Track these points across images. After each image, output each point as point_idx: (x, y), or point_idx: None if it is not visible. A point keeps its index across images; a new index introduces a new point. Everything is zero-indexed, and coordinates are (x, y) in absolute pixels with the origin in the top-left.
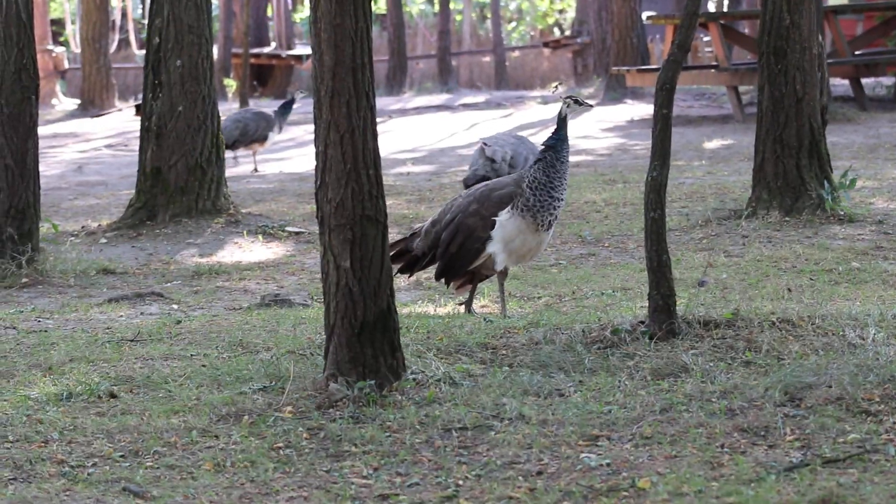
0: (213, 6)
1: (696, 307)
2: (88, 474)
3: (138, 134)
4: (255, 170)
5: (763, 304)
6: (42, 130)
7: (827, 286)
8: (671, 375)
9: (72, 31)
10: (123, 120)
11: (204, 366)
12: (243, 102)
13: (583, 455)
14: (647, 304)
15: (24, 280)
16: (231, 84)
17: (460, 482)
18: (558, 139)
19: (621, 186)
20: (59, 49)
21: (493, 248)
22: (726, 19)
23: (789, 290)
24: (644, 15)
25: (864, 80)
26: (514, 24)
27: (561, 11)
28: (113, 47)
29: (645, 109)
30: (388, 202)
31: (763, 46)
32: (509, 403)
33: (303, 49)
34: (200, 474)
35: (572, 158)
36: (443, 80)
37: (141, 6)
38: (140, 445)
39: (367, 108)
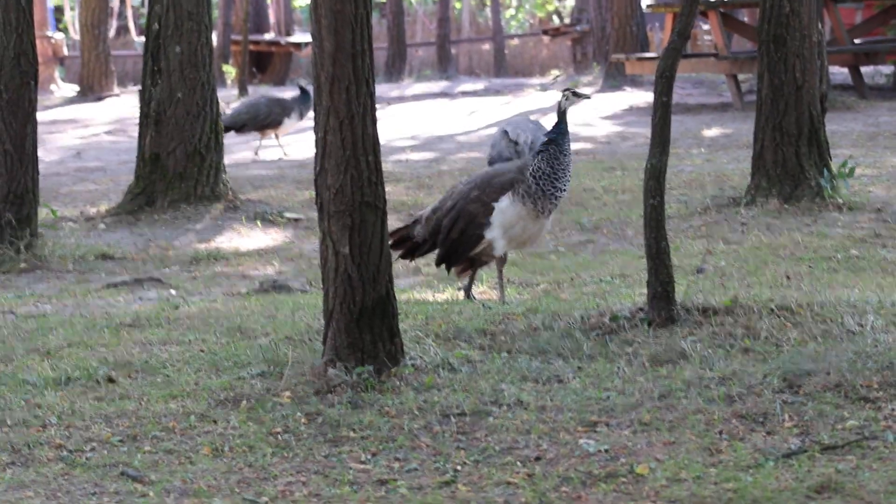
0: None
1: (695, 294)
2: (87, 459)
3: (137, 120)
4: (256, 154)
5: (762, 291)
6: (41, 116)
7: (826, 273)
8: (670, 362)
9: (71, 18)
10: (123, 106)
11: (202, 351)
12: (242, 89)
13: (581, 441)
14: (646, 291)
15: (23, 265)
16: (230, 71)
17: (458, 467)
18: (559, 132)
19: (620, 174)
20: (59, 35)
21: (493, 233)
22: (726, 7)
23: (788, 277)
24: (643, 3)
25: (863, 69)
26: (513, 11)
27: None
28: (112, 34)
29: (644, 97)
30: (387, 189)
31: (763, 34)
32: (508, 389)
33: (302, 36)
34: (199, 459)
35: (571, 146)
36: (442, 67)
37: None
38: (138, 430)
39: (367, 94)
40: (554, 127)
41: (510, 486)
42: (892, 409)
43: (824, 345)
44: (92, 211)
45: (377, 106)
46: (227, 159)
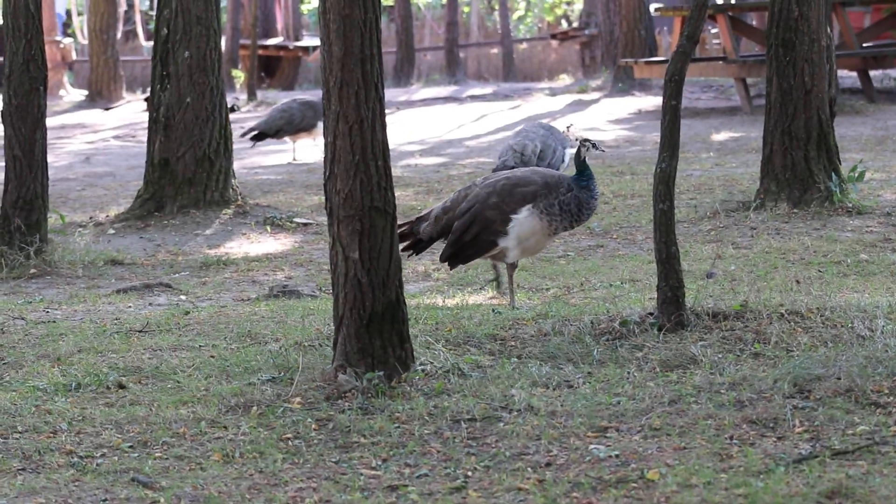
0: None
1: (705, 299)
2: (97, 465)
3: (146, 125)
4: (294, 159)
5: (772, 295)
6: (50, 121)
7: (835, 278)
8: (680, 367)
9: (79, 23)
10: (131, 111)
11: (212, 357)
12: (251, 94)
13: (591, 446)
14: (656, 296)
15: (33, 271)
16: (239, 75)
17: (469, 473)
18: (589, 179)
19: (629, 178)
20: (67, 40)
21: (508, 242)
22: (734, 11)
23: (798, 281)
24: (652, 7)
25: (872, 73)
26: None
27: (569, 3)
28: (120, 38)
29: (653, 101)
30: (396, 193)
31: (771, 38)
32: (518, 395)
33: (310, 40)
34: (209, 465)
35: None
36: (450, 71)
37: None
38: (149, 436)
39: (376, 99)
40: (581, 176)
41: (521, 492)
42: None
43: (834, 349)
44: (101, 216)
45: (386, 110)
46: (235, 164)
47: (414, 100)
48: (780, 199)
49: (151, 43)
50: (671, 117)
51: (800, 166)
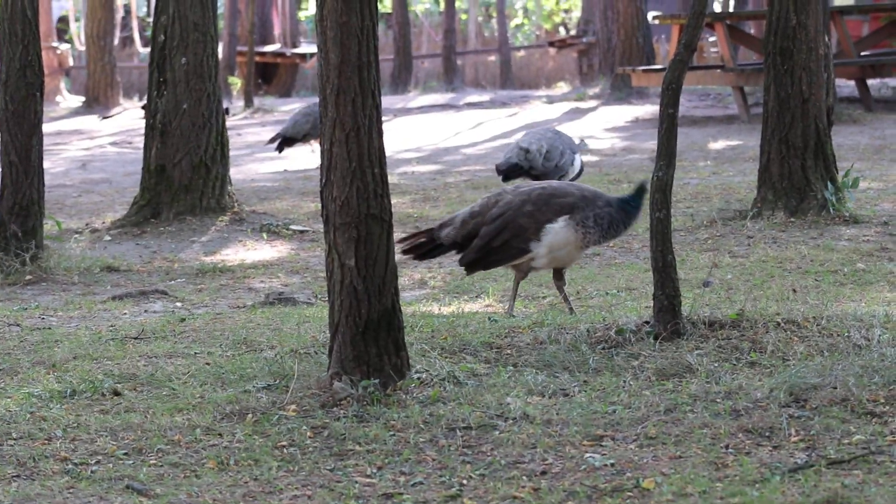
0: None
1: (701, 307)
2: (92, 472)
3: (143, 131)
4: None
5: (768, 304)
6: (46, 127)
7: (832, 287)
8: (676, 376)
9: (76, 29)
10: (128, 118)
11: (208, 364)
12: (248, 101)
13: (587, 455)
14: (652, 305)
15: (28, 277)
16: (236, 82)
17: (464, 481)
18: (636, 207)
19: (626, 186)
20: (64, 46)
21: (539, 250)
22: (732, 19)
23: (794, 290)
24: (650, 15)
25: (869, 81)
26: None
27: (567, 11)
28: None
29: (650, 109)
30: (393, 201)
31: (769, 47)
32: (513, 403)
33: (307, 47)
34: (204, 472)
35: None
36: (448, 79)
37: (146, 4)
38: (144, 443)
39: (373, 106)
40: (630, 202)
41: (516, 501)
42: None
43: (831, 359)
44: (97, 223)
45: (383, 118)
46: (231, 171)
47: (411, 107)
48: (776, 208)
49: (148, 49)
50: (668, 125)
51: (797, 175)
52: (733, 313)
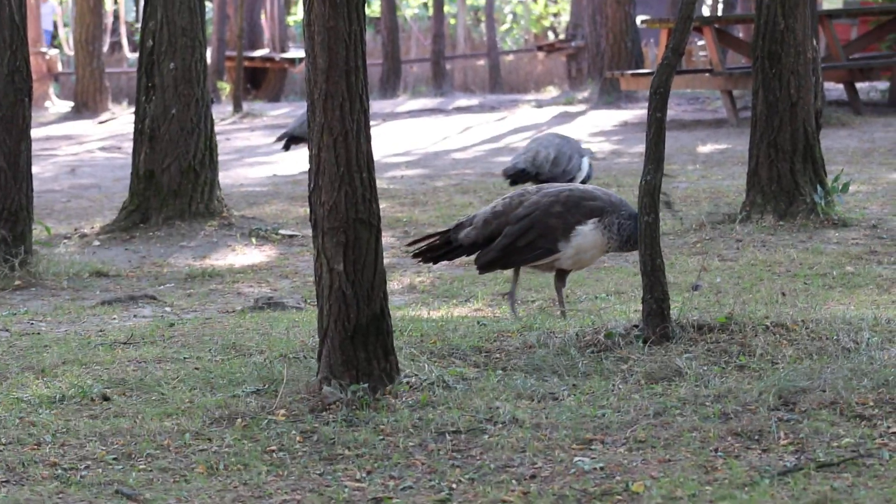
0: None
1: (690, 311)
2: (81, 477)
3: (132, 137)
4: None
5: (757, 308)
6: (35, 133)
7: (821, 290)
8: (665, 379)
9: (65, 34)
10: (121, 123)
11: (197, 369)
12: (237, 105)
13: (576, 459)
14: (641, 308)
15: (17, 282)
16: (224, 87)
17: (454, 486)
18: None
19: (615, 190)
20: (53, 51)
21: (567, 251)
22: (721, 23)
23: (783, 294)
24: (638, 19)
25: (858, 85)
26: (507, 26)
27: (555, 15)
28: (105, 50)
29: (639, 113)
30: (382, 205)
31: (757, 50)
32: (503, 407)
33: (296, 52)
34: (193, 477)
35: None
36: (437, 83)
37: (134, 9)
38: (133, 448)
39: (361, 111)
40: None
41: None
42: (888, 427)
43: (820, 362)
44: (86, 228)
45: (371, 122)
46: (220, 175)
47: (400, 111)
48: (765, 212)
49: (137, 54)
50: (656, 129)
51: (785, 178)
52: (722, 317)
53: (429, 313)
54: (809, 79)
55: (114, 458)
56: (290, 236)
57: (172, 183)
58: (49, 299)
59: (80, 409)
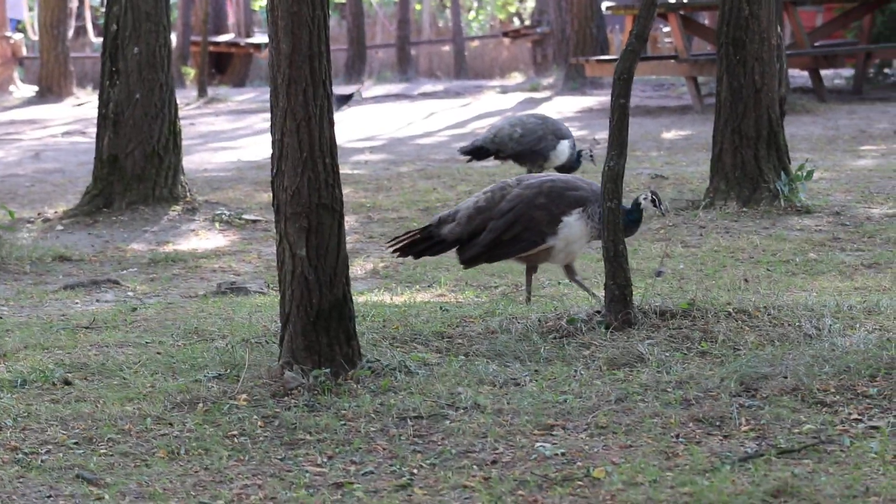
0: None
1: (653, 297)
2: (42, 461)
3: (96, 121)
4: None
5: (719, 294)
6: None
7: (784, 277)
8: (627, 365)
9: (30, 19)
10: (84, 108)
11: (159, 353)
12: (201, 91)
13: (538, 444)
14: (604, 294)
15: None
16: (189, 72)
17: (415, 471)
18: (634, 223)
19: (579, 174)
20: (18, 36)
21: (556, 243)
22: (686, 10)
23: (746, 280)
24: (603, 5)
25: (823, 72)
26: (472, 12)
27: (521, 1)
28: (70, 34)
29: (604, 100)
30: (345, 191)
31: (722, 37)
32: (464, 392)
33: (262, 37)
34: (154, 462)
35: None
36: (402, 69)
37: None
38: (94, 433)
39: (324, 96)
40: (630, 213)
41: (466, 490)
42: (849, 414)
43: (781, 348)
44: (50, 212)
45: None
46: (184, 161)
47: (364, 97)
48: (729, 198)
49: (101, 39)
50: (620, 115)
51: (749, 165)
52: (684, 303)
53: (391, 298)
54: (774, 65)
55: (75, 443)
56: (254, 221)
57: (136, 168)
58: (11, 283)
59: (42, 393)
